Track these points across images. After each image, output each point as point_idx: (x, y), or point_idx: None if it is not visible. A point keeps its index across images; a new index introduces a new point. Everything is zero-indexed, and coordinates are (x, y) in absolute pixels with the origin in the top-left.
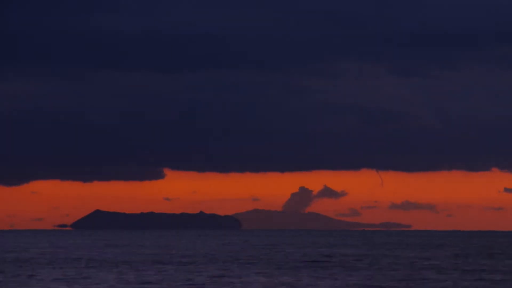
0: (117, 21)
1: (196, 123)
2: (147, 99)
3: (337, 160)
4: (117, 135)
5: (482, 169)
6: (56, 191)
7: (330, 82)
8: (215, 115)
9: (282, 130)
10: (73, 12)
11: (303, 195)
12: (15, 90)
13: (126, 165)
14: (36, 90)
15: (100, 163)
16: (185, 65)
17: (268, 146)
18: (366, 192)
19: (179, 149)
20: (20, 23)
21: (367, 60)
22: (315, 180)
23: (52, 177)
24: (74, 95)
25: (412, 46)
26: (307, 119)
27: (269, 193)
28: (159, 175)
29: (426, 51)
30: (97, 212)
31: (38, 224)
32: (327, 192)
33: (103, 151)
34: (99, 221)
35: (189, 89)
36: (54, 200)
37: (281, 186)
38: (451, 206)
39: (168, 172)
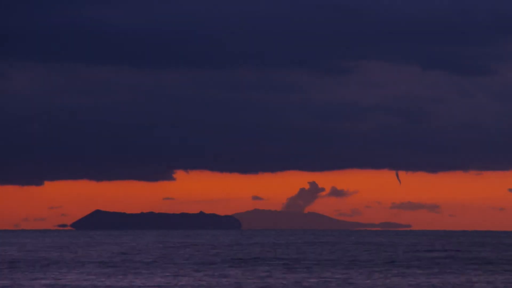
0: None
1: (197, 122)
2: (146, 98)
3: (348, 160)
4: (118, 135)
5: (496, 169)
6: (57, 191)
7: (339, 80)
8: (216, 114)
9: (288, 130)
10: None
11: (311, 192)
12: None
13: (126, 165)
14: (37, 88)
15: (100, 163)
16: (189, 64)
17: (271, 146)
18: (375, 192)
19: (179, 149)
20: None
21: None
22: (322, 180)
23: (54, 177)
24: (74, 93)
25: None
26: (312, 119)
27: (269, 193)
28: (159, 175)
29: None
30: (97, 212)
31: (41, 224)
32: (335, 192)
33: (104, 151)
34: (99, 221)
35: (191, 88)
36: (54, 199)
37: (282, 185)
38: (457, 207)
39: (168, 172)
